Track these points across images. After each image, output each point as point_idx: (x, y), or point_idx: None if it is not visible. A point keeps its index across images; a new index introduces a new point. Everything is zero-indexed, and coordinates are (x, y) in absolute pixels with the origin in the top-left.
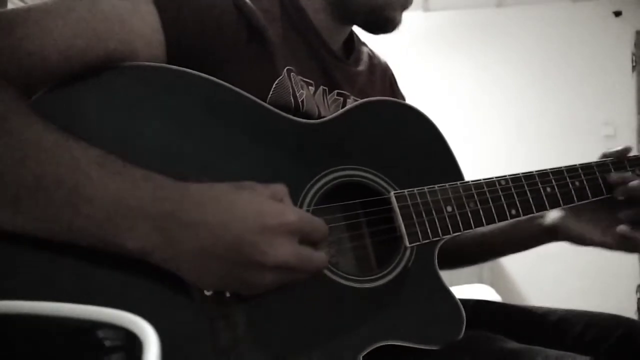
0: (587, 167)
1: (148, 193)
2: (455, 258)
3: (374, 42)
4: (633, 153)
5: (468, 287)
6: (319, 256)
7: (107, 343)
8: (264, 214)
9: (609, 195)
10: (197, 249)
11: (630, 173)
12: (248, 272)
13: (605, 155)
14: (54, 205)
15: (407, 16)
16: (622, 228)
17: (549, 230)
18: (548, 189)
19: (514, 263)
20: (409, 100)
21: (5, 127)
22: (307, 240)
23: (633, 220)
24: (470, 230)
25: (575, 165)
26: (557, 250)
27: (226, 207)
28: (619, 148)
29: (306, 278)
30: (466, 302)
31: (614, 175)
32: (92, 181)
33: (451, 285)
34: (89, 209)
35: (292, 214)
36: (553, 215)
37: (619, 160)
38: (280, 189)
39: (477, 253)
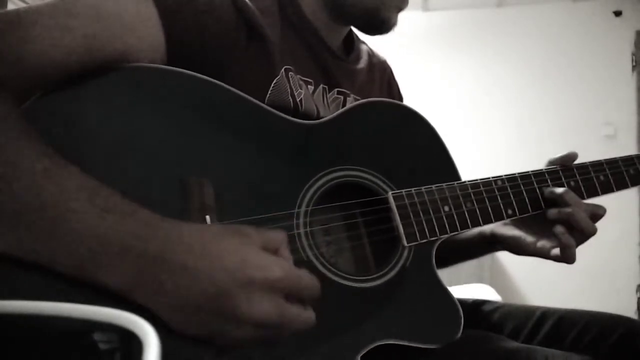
0: (582, 167)
1: (133, 230)
2: None
3: (373, 42)
4: (633, 152)
5: (468, 287)
6: (306, 316)
7: (103, 346)
8: (247, 267)
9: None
10: (176, 293)
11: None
12: (225, 325)
13: (550, 162)
14: (36, 235)
15: (406, 16)
16: (558, 229)
17: (490, 240)
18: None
19: (514, 263)
20: (409, 100)
21: None
22: (295, 297)
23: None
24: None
25: (571, 165)
26: None
27: (211, 253)
28: (562, 154)
29: (290, 334)
30: (466, 302)
31: (547, 191)
32: (77, 215)
33: (451, 285)
34: (70, 242)
35: (277, 269)
36: (493, 225)
37: (566, 167)
38: (277, 236)
39: None
